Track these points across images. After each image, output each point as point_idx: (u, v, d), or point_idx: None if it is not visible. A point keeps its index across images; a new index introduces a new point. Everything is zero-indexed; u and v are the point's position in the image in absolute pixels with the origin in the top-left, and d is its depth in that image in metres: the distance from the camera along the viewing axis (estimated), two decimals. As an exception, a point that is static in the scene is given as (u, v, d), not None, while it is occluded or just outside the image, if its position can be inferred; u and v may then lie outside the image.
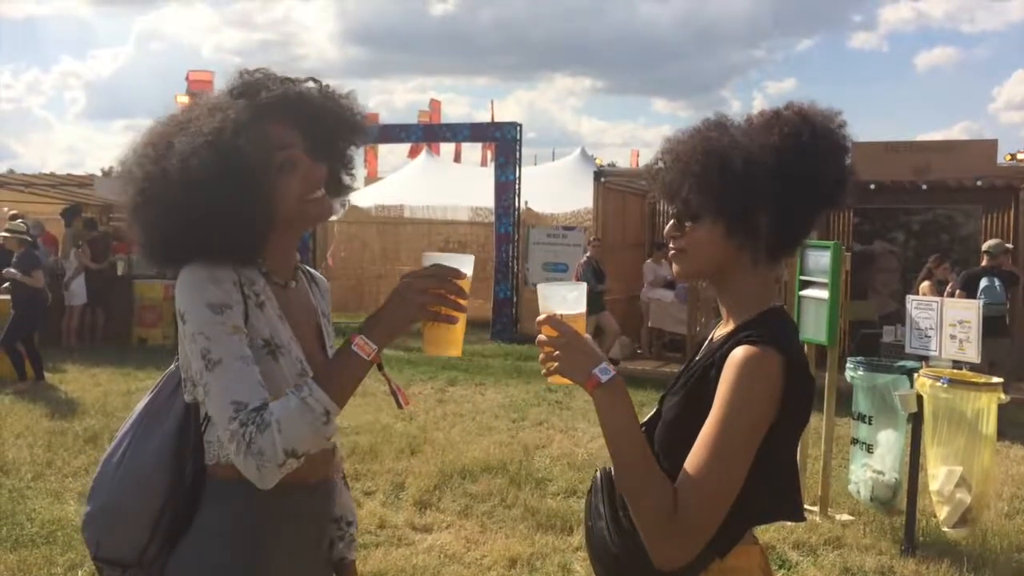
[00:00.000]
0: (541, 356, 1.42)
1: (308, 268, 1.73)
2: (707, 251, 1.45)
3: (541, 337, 1.42)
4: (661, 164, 1.49)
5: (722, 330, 1.51)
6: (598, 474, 1.54)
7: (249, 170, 1.39)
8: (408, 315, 1.34)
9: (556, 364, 1.39)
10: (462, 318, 1.39)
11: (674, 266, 1.52)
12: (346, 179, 1.66)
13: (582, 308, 1.46)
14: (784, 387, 1.33)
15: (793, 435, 1.40)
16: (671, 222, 1.49)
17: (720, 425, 1.31)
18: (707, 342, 1.56)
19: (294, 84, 1.54)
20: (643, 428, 1.45)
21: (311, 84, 1.57)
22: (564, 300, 1.45)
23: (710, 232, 1.43)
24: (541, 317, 1.42)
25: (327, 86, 1.58)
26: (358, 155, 1.68)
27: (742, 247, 1.44)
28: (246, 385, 1.31)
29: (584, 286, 1.49)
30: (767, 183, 1.38)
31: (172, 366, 1.56)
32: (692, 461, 1.32)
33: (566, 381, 1.41)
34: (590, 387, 1.36)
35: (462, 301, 1.37)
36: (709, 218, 1.43)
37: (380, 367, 1.37)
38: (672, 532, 1.30)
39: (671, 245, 1.50)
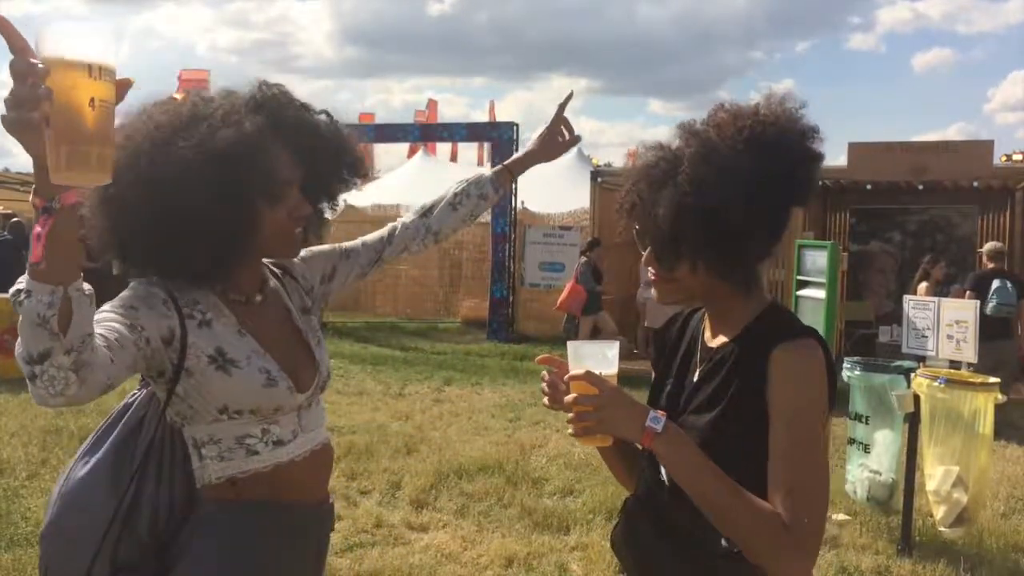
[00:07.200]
0: (571, 416, 1.32)
1: (277, 265, 1.69)
2: (698, 283, 1.39)
3: (574, 396, 1.31)
4: (637, 199, 1.40)
5: (716, 339, 1.44)
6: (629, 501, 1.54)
7: (248, 196, 1.42)
8: (22, 137, 1.02)
9: (597, 423, 1.30)
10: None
11: (655, 292, 1.46)
12: (327, 215, 1.69)
13: (616, 367, 1.39)
14: (827, 375, 1.33)
15: (826, 424, 1.38)
16: (648, 252, 1.41)
17: (799, 426, 1.28)
18: (699, 349, 1.48)
19: (309, 114, 1.55)
20: None
21: (324, 118, 1.57)
22: (604, 358, 1.37)
23: (698, 272, 1.37)
24: (577, 372, 1.32)
25: (336, 122, 1.59)
26: (344, 193, 1.72)
27: (734, 278, 1.39)
28: None
29: (618, 343, 1.43)
30: (754, 213, 1.31)
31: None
32: (786, 469, 1.27)
33: (604, 442, 1.35)
34: (646, 441, 1.29)
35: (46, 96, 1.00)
36: (698, 261, 1.36)
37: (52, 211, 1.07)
38: (791, 545, 1.24)
39: (651, 271, 1.43)
